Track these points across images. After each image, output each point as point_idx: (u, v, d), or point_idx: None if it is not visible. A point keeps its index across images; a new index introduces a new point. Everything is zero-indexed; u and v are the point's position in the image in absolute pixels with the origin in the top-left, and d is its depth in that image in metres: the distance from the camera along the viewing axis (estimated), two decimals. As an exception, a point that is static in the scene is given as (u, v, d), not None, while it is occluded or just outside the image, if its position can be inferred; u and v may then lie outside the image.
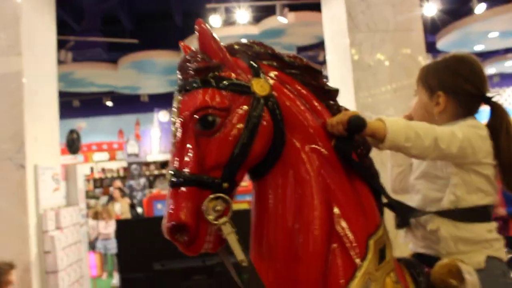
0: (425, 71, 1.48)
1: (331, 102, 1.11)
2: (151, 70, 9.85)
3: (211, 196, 0.91)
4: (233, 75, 0.99)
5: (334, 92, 1.13)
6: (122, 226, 3.10)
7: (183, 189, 0.91)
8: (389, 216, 1.25)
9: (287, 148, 1.01)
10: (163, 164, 13.82)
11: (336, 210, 1.01)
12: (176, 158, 0.95)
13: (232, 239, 0.92)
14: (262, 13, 7.49)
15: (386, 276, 1.00)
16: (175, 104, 0.99)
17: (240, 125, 0.95)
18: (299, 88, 1.07)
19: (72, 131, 11.94)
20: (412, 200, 1.45)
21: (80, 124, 13.54)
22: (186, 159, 0.93)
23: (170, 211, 0.91)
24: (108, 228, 7.88)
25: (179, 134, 0.96)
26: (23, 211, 3.89)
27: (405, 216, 1.31)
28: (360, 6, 3.92)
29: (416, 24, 4.03)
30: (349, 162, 1.05)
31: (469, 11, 7.89)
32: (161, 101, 13.30)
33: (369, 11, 3.93)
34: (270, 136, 0.99)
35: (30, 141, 4.06)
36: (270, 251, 0.99)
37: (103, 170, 13.79)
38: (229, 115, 0.95)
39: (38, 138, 4.25)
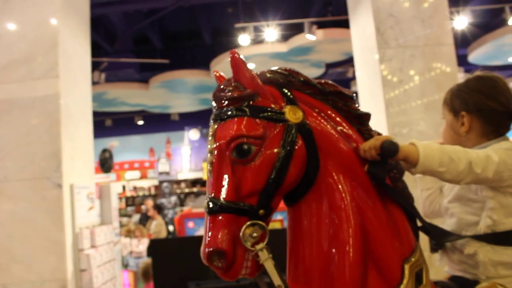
0: (449, 94, 1.49)
1: (363, 126, 1.12)
2: (181, 89, 10.06)
3: (248, 223, 0.93)
4: (266, 103, 1.01)
5: (366, 116, 1.14)
6: (156, 244, 3.13)
7: (220, 216, 0.93)
8: (424, 240, 1.23)
9: (321, 173, 1.02)
10: (194, 182, 13.97)
11: (370, 235, 1.01)
12: (213, 186, 0.97)
13: (269, 265, 0.94)
14: (291, 31, 7.56)
15: None
16: (210, 132, 1.01)
17: (275, 153, 0.97)
18: (331, 113, 1.09)
19: (105, 150, 12.27)
20: (446, 223, 1.43)
21: (113, 143, 13.89)
22: (223, 186, 0.95)
23: (208, 238, 0.93)
24: (140, 246, 7.99)
25: (215, 162, 0.98)
26: (60, 229, 4.00)
27: (440, 239, 1.29)
28: (389, 21, 3.91)
29: (446, 38, 3.98)
30: (382, 186, 1.05)
31: (501, 23, 7.73)
32: (191, 119, 13.52)
33: (398, 27, 3.91)
34: (304, 162, 1.01)
35: (66, 161, 4.19)
36: (306, 276, 1.01)
37: (135, 188, 14.03)
38: (264, 143, 0.98)
39: (74, 158, 4.38)
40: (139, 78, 9.91)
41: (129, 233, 9.22)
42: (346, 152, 1.05)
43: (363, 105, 4.35)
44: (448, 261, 1.40)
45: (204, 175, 13.41)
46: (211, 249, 0.92)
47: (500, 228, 1.25)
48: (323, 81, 1.13)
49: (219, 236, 0.91)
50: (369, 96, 4.19)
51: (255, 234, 0.93)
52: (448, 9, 4.09)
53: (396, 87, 3.85)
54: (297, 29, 7.35)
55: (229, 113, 0.99)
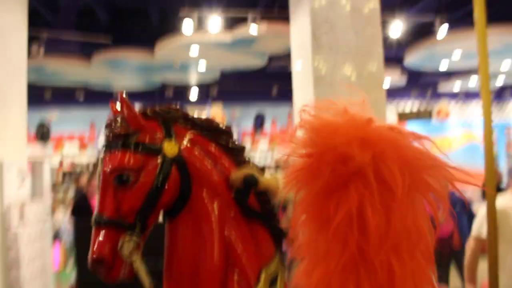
0: None
1: (238, 157, 1.33)
2: (124, 68, 9.89)
3: (126, 236, 1.12)
4: (147, 139, 1.19)
5: (241, 149, 1.35)
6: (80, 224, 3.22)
7: (103, 229, 1.13)
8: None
9: (193, 197, 1.22)
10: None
11: (233, 246, 1.23)
12: (100, 204, 1.16)
13: (142, 272, 1.14)
14: (236, 21, 7.66)
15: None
16: (100, 158, 1.20)
17: (150, 182, 1.16)
18: (209, 147, 1.29)
19: (42, 125, 11.85)
20: None
21: (52, 114, 13.43)
22: (106, 205, 1.15)
23: (92, 247, 1.12)
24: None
25: (101, 184, 1.17)
26: (-14, 206, 3.97)
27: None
28: (324, 27, 4.15)
29: (377, 48, 4.27)
30: (243, 208, 1.27)
31: (433, 33, 8.30)
32: (135, 98, 13.21)
33: (332, 33, 4.16)
34: (177, 189, 1.21)
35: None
36: (178, 276, 1.22)
37: (72, 164, 13.67)
38: (142, 173, 1.17)
39: (5, 133, 4.32)
40: (81, 53, 9.62)
41: (63, 207, 9.05)
42: (216, 181, 1.26)
43: (296, 100, 4.61)
44: None
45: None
46: (94, 256, 1.11)
47: None
48: (204, 118, 1.33)
49: (101, 247, 1.11)
50: (302, 92, 4.44)
51: (130, 246, 1.12)
52: (381, 19, 4.39)
53: (326, 87, 4.10)
54: (242, 20, 7.46)
55: (114, 146, 1.18)
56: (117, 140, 1.17)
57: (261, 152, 14.41)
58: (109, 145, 1.19)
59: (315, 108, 1.04)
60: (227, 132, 1.33)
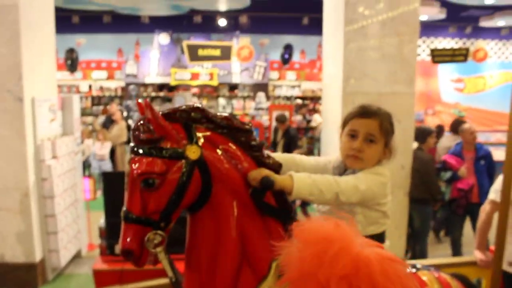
0: (387, 123, 1.61)
1: (258, 153, 1.37)
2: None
3: (151, 232, 1.23)
4: (170, 144, 1.25)
5: (260, 146, 1.39)
6: (109, 177, 3.39)
7: (131, 225, 1.24)
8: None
9: (214, 195, 1.30)
10: (161, 87, 13.98)
11: (247, 240, 1.34)
12: (128, 202, 1.25)
13: (165, 263, 1.27)
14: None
15: None
16: (129, 159, 1.27)
17: (174, 184, 1.25)
18: (229, 145, 1.34)
19: (71, 50, 11.94)
20: None
21: (80, 40, 13.49)
22: (134, 204, 1.24)
23: (122, 239, 1.24)
24: (103, 149, 8.26)
25: (129, 184, 1.26)
26: (21, 141, 4.18)
27: None
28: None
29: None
30: (259, 206, 1.34)
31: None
32: (162, 23, 13.15)
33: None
34: (199, 189, 1.29)
35: (27, 73, 4.24)
36: (197, 265, 1.34)
37: (101, 88, 13.95)
38: (166, 176, 1.24)
39: (35, 70, 4.42)
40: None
41: (92, 134, 9.41)
42: (235, 179, 1.32)
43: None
44: None
45: (171, 80, 13.44)
46: (124, 248, 1.24)
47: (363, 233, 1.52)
48: (223, 116, 1.35)
49: (130, 240, 1.23)
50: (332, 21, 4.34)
51: (156, 241, 1.24)
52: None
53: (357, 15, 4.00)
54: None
55: (141, 151, 1.25)
56: (143, 145, 1.24)
57: (289, 83, 14.32)
58: (136, 148, 1.26)
59: (310, 225, 1.11)
60: (247, 130, 1.37)
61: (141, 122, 1.25)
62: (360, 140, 1.55)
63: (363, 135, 1.56)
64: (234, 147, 1.34)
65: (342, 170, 1.63)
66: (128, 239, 1.23)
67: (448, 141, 6.05)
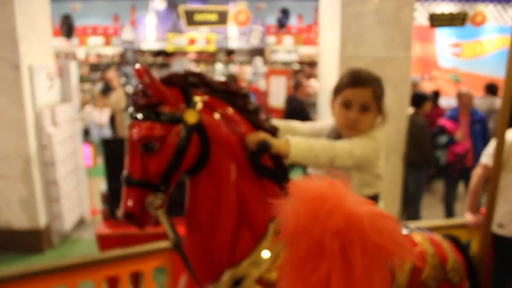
0: (380, 90, 1.63)
1: (255, 117, 1.41)
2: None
3: (152, 195, 1.27)
4: (169, 109, 1.28)
5: (257, 110, 1.42)
6: (109, 144, 3.42)
7: (132, 189, 1.27)
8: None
9: (212, 158, 1.34)
10: (158, 53, 13.83)
11: (245, 201, 1.38)
12: (129, 165, 1.29)
13: (165, 224, 1.31)
14: None
15: (281, 250, 1.34)
16: (129, 124, 1.30)
17: (173, 148, 1.27)
18: (227, 109, 1.37)
19: (66, 17, 11.72)
20: None
21: (75, 5, 13.23)
22: (134, 168, 1.28)
23: (124, 203, 1.28)
24: (102, 116, 8.27)
25: (130, 148, 1.29)
26: (20, 109, 4.19)
27: None
28: None
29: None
30: (255, 167, 1.39)
31: None
32: (157, -11, 12.88)
33: None
34: (197, 153, 1.32)
35: (23, 40, 4.20)
36: (197, 224, 1.40)
37: (99, 55, 13.79)
38: (165, 140, 1.27)
39: (30, 36, 4.38)
40: None
41: (91, 101, 9.38)
42: (233, 142, 1.36)
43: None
44: None
45: (168, 46, 13.27)
46: (126, 211, 1.28)
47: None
48: (221, 81, 1.38)
49: (130, 203, 1.27)
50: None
51: (156, 203, 1.27)
52: None
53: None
54: None
55: (140, 116, 1.27)
56: (142, 110, 1.27)
57: (286, 48, 14.16)
58: (135, 113, 1.28)
59: (306, 184, 1.12)
60: (244, 94, 1.40)
61: (140, 87, 1.27)
62: (355, 110, 1.58)
63: (358, 106, 1.59)
64: (231, 111, 1.38)
65: (337, 136, 1.66)
66: (130, 202, 1.26)
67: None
